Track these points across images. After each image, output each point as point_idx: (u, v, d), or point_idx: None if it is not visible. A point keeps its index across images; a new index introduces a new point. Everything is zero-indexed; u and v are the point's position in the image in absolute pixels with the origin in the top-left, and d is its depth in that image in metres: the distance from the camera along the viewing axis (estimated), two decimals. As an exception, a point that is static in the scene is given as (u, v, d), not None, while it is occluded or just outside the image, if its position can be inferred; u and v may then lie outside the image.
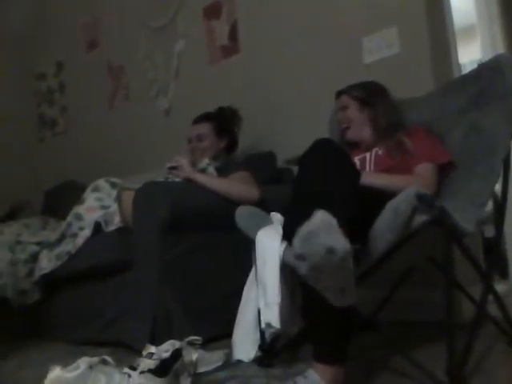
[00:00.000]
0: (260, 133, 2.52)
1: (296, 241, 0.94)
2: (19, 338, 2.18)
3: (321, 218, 0.93)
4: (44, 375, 1.24)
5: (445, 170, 1.53)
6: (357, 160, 1.66)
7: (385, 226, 1.13)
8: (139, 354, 1.36)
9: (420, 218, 1.15)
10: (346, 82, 1.80)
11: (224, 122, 2.31)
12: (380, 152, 1.63)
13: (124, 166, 3.12)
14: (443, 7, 2.08)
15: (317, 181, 1.13)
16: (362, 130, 1.71)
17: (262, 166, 2.25)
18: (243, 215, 1.56)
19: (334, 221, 0.93)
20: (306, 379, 1.08)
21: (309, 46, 2.37)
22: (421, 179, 1.47)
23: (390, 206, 1.15)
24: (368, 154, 1.66)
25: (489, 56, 2.40)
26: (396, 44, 2.08)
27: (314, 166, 1.17)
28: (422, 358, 1.25)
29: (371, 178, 1.48)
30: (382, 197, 1.23)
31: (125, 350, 1.68)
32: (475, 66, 1.64)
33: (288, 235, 1.25)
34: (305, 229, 0.92)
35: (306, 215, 0.97)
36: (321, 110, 2.07)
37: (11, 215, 3.04)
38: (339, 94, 1.78)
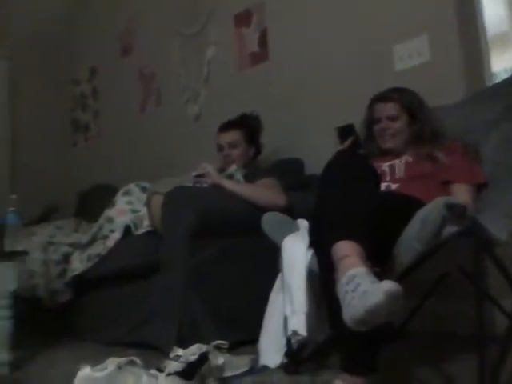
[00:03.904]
0: (286, 140, 2.52)
1: (358, 309, 0.90)
2: (50, 337, 2.23)
3: (390, 292, 0.89)
4: (73, 374, 1.27)
5: (479, 189, 1.51)
6: (386, 167, 1.65)
7: (413, 236, 1.12)
8: (166, 356, 1.37)
9: (450, 229, 1.13)
10: (376, 90, 1.79)
11: (252, 129, 2.33)
12: (410, 159, 1.62)
13: (154, 170, 3.17)
14: (476, 14, 2.05)
15: (338, 198, 1.13)
16: (401, 139, 1.69)
17: (289, 173, 2.25)
18: (270, 221, 1.57)
19: (400, 290, 0.90)
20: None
21: (338, 54, 2.37)
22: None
23: (419, 215, 1.15)
24: (397, 161, 1.65)
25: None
26: (427, 52, 2.06)
27: (337, 181, 1.18)
28: (452, 371, 1.23)
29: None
30: (406, 210, 1.22)
31: (152, 352, 1.70)
32: (509, 74, 1.61)
33: (313, 244, 1.26)
34: (371, 300, 0.88)
35: (329, 235, 1.03)
36: (349, 118, 2.07)
37: (44, 217, 3.12)
38: (386, 99, 1.70)
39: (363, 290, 0.90)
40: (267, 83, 2.70)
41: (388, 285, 0.89)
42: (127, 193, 2.20)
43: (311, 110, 2.48)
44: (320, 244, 1.16)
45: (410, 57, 2.11)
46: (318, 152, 2.25)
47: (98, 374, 1.25)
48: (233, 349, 1.51)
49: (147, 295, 1.90)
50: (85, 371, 1.26)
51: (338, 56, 2.37)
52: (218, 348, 1.42)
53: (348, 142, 1.69)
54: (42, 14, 4.10)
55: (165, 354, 1.61)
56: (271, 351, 1.48)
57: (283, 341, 1.44)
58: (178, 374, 1.19)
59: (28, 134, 4.08)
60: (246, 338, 1.67)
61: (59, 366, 1.72)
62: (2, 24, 3.97)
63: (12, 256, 1.74)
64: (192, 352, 1.31)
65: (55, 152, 4.14)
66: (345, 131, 1.72)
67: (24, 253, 1.89)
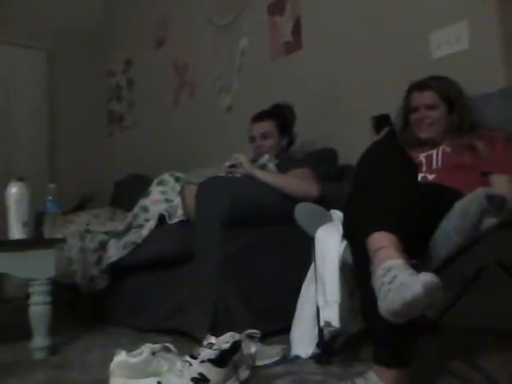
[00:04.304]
0: (320, 130, 2.50)
1: (395, 301, 0.88)
2: (87, 323, 2.30)
3: (428, 284, 0.87)
4: (109, 358, 1.31)
5: None
6: (422, 157, 1.61)
7: (452, 228, 1.09)
8: (199, 343, 1.39)
9: (490, 221, 1.10)
10: (412, 78, 1.75)
11: (285, 119, 2.32)
12: (448, 149, 1.58)
13: (187, 160, 3.20)
14: (518, -1, 1.97)
15: (374, 189, 1.11)
16: (439, 129, 1.64)
17: (322, 163, 2.23)
18: (303, 212, 1.56)
19: (439, 282, 0.89)
20: (366, 381, 1.06)
21: (373, 42, 2.32)
22: None
23: (458, 207, 1.12)
24: (435, 151, 1.61)
25: None
26: (465, 39, 1.99)
27: (373, 171, 1.16)
28: (487, 368, 1.20)
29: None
30: (444, 201, 1.19)
31: (185, 339, 1.73)
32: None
33: (346, 235, 1.25)
34: (409, 293, 0.86)
35: (364, 226, 1.02)
36: (384, 107, 2.02)
37: (81, 206, 3.20)
38: (424, 87, 1.65)
39: (400, 282, 0.88)
40: (301, 72, 2.68)
41: (426, 277, 0.87)
42: (161, 183, 2.23)
43: (345, 99, 2.44)
44: (355, 235, 1.14)
45: (448, 44, 2.05)
46: (351, 142, 2.23)
47: (134, 359, 1.29)
48: (265, 338, 1.52)
49: (181, 283, 1.93)
50: (121, 356, 1.29)
51: (372, 44, 2.32)
52: (251, 337, 1.43)
53: (384, 132, 1.66)
54: (79, 7, 4.18)
55: (198, 341, 1.64)
56: (303, 341, 1.48)
57: (315, 331, 1.44)
58: (211, 361, 1.20)
59: (66, 124, 4.19)
60: (277, 327, 1.67)
61: (96, 350, 1.77)
62: (41, 17, 4.07)
63: (51, 243, 1.79)
64: (225, 340, 1.32)
65: (92, 142, 4.24)
66: (380, 121, 1.69)
67: (62, 240, 1.95)
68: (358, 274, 1.18)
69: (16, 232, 1.78)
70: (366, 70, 2.35)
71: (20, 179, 1.84)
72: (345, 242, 1.34)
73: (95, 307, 2.34)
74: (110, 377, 1.27)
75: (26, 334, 1.74)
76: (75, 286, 2.24)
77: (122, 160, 4.00)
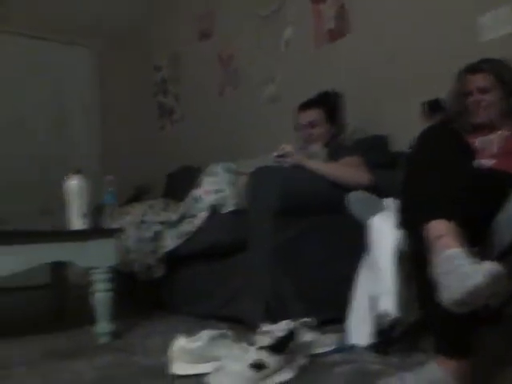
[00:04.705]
0: (369, 117, 2.47)
1: (458, 290, 0.87)
2: (145, 310, 2.39)
3: (490, 273, 0.86)
4: (169, 344, 1.36)
5: None
6: (479, 142, 1.56)
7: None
8: (255, 331, 1.42)
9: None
10: (461, 62, 1.69)
11: (333, 107, 2.30)
12: (507, 133, 1.52)
13: (235, 151, 3.24)
14: None
15: (430, 175, 1.09)
16: (495, 113, 1.59)
17: (373, 150, 2.20)
18: (355, 200, 1.56)
19: (502, 271, 0.87)
20: (427, 371, 1.05)
21: (420, 25, 2.26)
22: None
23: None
24: (492, 136, 1.55)
25: None
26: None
27: (428, 157, 1.13)
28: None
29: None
30: (504, 186, 1.16)
31: (241, 327, 1.76)
32: None
33: (402, 223, 1.23)
34: (472, 282, 0.85)
35: (421, 214, 1.00)
36: (434, 91, 1.97)
37: (136, 198, 3.30)
38: (476, 70, 1.60)
39: (462, 271, 0.87)
40: (347, 59, 2.64)
41: (489, 266, 0.86)
42: (212, 173, 2.27)
43: (394, 85, 2.39)
44: (411, 224, 1.13)
45: (496, 27, 1.97)
46: (402, 128, 2.19)
47: (193, 345, 1.33)
48: (320, 327, 1.53)
49: (235, 272, 1.97)
50: (180, 341, 1.34)
51: (420, 28, 2.26)
52: (306, 325, 1.45)
53: (437, 117, 1.62)
54: (124, 4, 4.28)
55: (253, 328, 1.67)
56: (359, 330, 1.48)
57: (372, 320, 1.43)
58: (269, 347, 1.23)
59: (117, 119, 4.33)
60: (331, 316, 1.68)
61: (156, 336, 1.83)
62: (89, 16, 4.20)
63: (111, 233, 1.87)
64: (280, 328, 1.34)
65: (144, 136, 4.36)
66: (432, 106, 1.65)
67: (121, 230, 2.03)
68: (415, 262, 1.17)
69: (76, 223, 1.87)
70: (414, 54, 2.29)
71: (78, 172, 1.93)
72: (399, 231, 1.33)
73: (153, 295, 2.43)
74: (170, 361, 1.33)
75: (89, 319, 1.83)
76: (133, 274, 2.33)
77: (173, 152, 4.09)
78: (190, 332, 1.41)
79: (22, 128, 3.99)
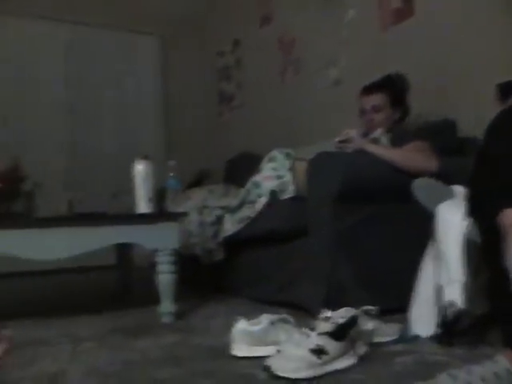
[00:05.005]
0: (436, 100, 2.37)
1: None
2: (206, 292, 2.46)
3: None
4: (229, 325, 1.39)
5: None
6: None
7: None
8: (314, 317, 1.42)
9: None
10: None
11: (397, 91, 2.22)
12: None
13: (296, 137, 3.22)
14: None
15: (503, 162, 1.03)
16: None
17: (440, 135, 2.11)
18: (422, 187, 1.51)
19: None
20: (495, 364, 1.01)
21: (491, 3, 2.12)
22: None
23: None
24: None
25: None
26: None
27: (503, 142, 1.07)
28: None
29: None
30: None
31: (299, 312, 1.77)
32: None
33: (473, 212, 1.18)
34: None
35: (494, 202, 0.96)
36: (509, 73, 1.86)
37: (198, 183, 3.38)
38: None
39: None
40: (413, 41, 2.54)
41: None
42: (272, 159, 2.28)
43: (463, 67, 2.28)
44: (483, 212, 1.07)
45: None
46: (471, 112, 2.08)
47: (254, 328, 1.35)
48: (381, 316, 1.50)
49: (295, 257, 1.97)
50: (242, 323, 1.36)
51: (491, 5, 2.12)
52: (367, 313, 1.42)
53: (509, 101, 1.53)
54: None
55: (312, 314, 1.67)
56: (423, 320, 1.44)
57: (436, 310, 1.39)
58: (329, 334, 1.22)
59: (179, 106, 4.42)
60: (394, 305, 1.64)
61: (217, 317, 1.88)
62: (152, 4, 4.29)
63: (175, 217, 1.92)
64: (341, 314, 1.33)
65: (204, 122, 4.43)
66: (504, 89, 1.56)
67: (184, 214, 2.08)
68: (486, 252, 1.11)
69: (143, 206, 1.94)
70: (487, 34, 2.16)
71: (145, 157, 1.99)
72: (468, 219, 1.27)
73: (214, 278, 2.48)
74: (232, 342, 1.35)
75: (152, 299, 1.90)
76: (195, 257, 2.39)
77: (233, 139, 4.13)
78: (248, 315, 1.43)
79: (93, 117, 4.18)
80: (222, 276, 2.43)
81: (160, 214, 1.97)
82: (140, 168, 1.95)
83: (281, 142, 2.82)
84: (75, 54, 4.17)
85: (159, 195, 2.35)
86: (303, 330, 1.27)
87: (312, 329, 1.27)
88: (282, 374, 1.14)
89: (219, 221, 2.32)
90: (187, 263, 2.37)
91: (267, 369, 1.16)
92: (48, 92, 4.05)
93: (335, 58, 3.09)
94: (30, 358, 1.39)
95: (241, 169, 3.07)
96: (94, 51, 4.23)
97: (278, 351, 1.21)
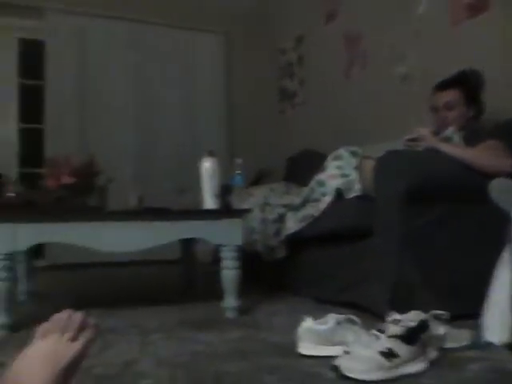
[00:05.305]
0: (510, 99, 2.24)
1: None
2: (268, 289, 2.47)
3: None
4: (293, 323, 1.39)
5: None
6: None
7: None
8: (379, 318, 1.39)
9: None
10: None
11: (472, 87, 2.13)
12: None
13: (360, 135, 3.16)
14: None
15: None
16: None
17: (517, 134, 2.00)
18: (499, 188, 1.44)
19: None
20: None
21: None
22: None
23: None
24: None
25: None
26: None
27: None
28: None
29: None
30: None
31: (363, 313, 1.74)
32: None
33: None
34: None
35: None
36: None
37: (258, 180, 3.40)
38: None
39: None
40: (487, 37, 2.41)
41: None
42: (337, 157, 2.25)
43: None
44: None
45: None
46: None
47: (320, 327, 1.34)
48: (451, 320, 1.45)
49: (360, 257, 1.93)
50: (308, 322, 1.36)
51: None
52: (437, 318, 1.38)
53: None
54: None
55: (376, 316, 1.64)
56: (497, 327, 1.37)
57: (511, 318, 1.32)
58: (400, 337, 1.19)
59: (242, 103, 4.47)
60: (465, 311, 1.58)
61: (281, 315, 1.88)
62: (218, 2, 4.36)
63: (240, 213, 1.95)
64: (411, 318, 1.30)
65: (266, 120, 4.45)
66: None
67: (248, 211, 2.10)
68: None
69: (209, 202, 1.98)
70: None
71: (211, 154, 2.03)
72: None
73: (275, 275, 2.49)
74: (298, 341, 1.35)
75: (216, 294, 1.93)
76: (257, 254, 2.41)
77: (295, 136, 4.12)
78: (311, 314, 1.42)
79: (159, 115, 4.31)
80: (283, 273, 2.43)
81: (226, 210, 2.00)
82: (207, 165, 1.99)
83: (343, 140, 2.78)
84: (137, 52, 4.28)
85: (224, 192, 2.39)
86: (372, 331, 1.25)
87: (380, 331, 1.25)
88: (350, 375, 1.12)
89: (281, 219, 2.32)
90: (249, 259, 2.39)
91: (336, 369, 1.15)
92: (116, 94, 4.19)
93: (404, 53, 3.00)
94: (101, 347, 1.45)
95: (302, 167, 3.06)
96: (156, 51, 4.33)
97: (346, 352, 1.19)
